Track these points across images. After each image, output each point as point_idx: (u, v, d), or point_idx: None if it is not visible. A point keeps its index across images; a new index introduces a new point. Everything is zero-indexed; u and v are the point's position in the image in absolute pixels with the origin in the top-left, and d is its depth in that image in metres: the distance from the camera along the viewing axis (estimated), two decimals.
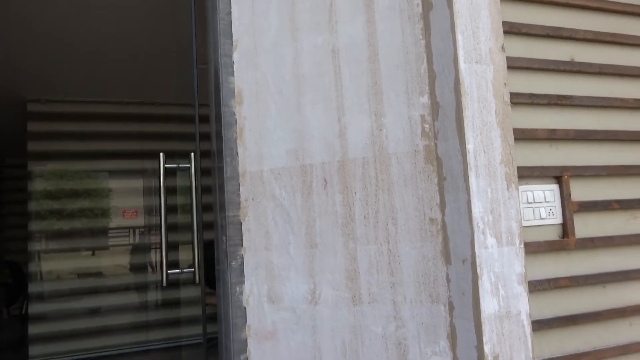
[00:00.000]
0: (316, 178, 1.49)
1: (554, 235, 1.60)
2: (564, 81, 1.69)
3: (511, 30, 1.59)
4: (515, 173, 1.31)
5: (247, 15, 1.63)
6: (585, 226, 1.62)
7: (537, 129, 1.58)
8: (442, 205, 1.34)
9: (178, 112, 5.39)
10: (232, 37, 1.64)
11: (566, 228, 1.57)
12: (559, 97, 1.64)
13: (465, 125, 1.26)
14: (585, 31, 1.73)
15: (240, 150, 1.59)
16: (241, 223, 1.56)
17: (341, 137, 1.47)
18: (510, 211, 1.29)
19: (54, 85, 4.71)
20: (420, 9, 1.42)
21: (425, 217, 1.36)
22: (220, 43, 1.65)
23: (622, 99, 1.72)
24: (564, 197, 1.58)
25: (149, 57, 4.05)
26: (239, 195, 1.57)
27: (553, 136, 1.61)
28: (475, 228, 1.24)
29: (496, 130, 1.30)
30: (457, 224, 1.29)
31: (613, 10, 1.76)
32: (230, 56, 1.64)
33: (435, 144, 1.37)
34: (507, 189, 1.29)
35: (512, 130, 1.33)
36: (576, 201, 1.61)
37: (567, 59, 1.71)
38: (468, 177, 1.25)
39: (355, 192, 1.44)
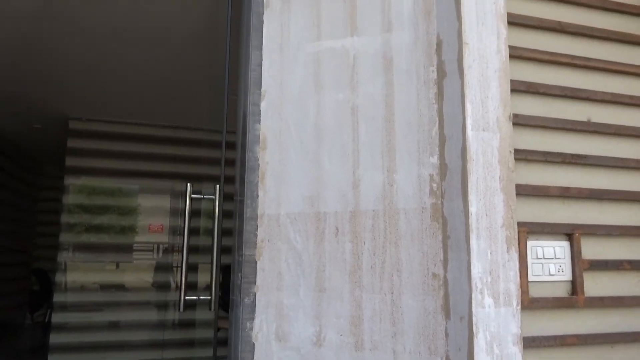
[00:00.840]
0: (329, 225, 1.58)
1: (563, 292, 1.63)
2: (579, 140, 1.75)
3: (529, 90, 1.67)
4: (516, 237, 1.38)
5: (276, 68, 1.77)
6: (595, 285, 1.65)
7: (549, 186, 1.64)
8: (445, 262, 1.42)
9: (209, 137, 5.60)
10: (261, 87, 1.78)
11: (575, 285, 1.60)
12: (573, 156, 1.70)
13: (469, 188, 1.34)
14: (603, 93, 1.79)
15: (260, 193, 1.70)
16: (256, 262, 1.66)
17: (354, 189, 1.57)
18: (509, 273, 1.35)
19: (95, 106, 4.99)
20: (435, 75, 1.53)
21: (429, 272, 1.44)
22: (250, 92, 1.78)
23: (637, 160, 1.76)
24: (575, 254, 1.62)
25: (185, 85, 4.27)
26: (256, 235, 1.68)
27: (566, 194, 1.66)
28: (474, 287, 1.31)
29: (499, 195, 1.37)
30: (458, 282, 1.36)
31: (632, 73, 1.81)
32: (258, 105, 1.77)
33: (442, 203, 1.45)
34: (507, 252, 1.36)
35: (514, 195, 1.40)
36: (587, 259, 1.64)
37: (583, 119, 1.77)
38: (469, 238, 1.33)
39: (364, 242, 1.52)
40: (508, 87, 1.43)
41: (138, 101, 4.82)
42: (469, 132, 1.37)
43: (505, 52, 1.44)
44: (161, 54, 3.62)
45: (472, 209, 1.34)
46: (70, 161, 5.29)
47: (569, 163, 1.70)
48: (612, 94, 1.79)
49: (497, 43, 1.43)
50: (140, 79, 4.13)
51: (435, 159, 1.49)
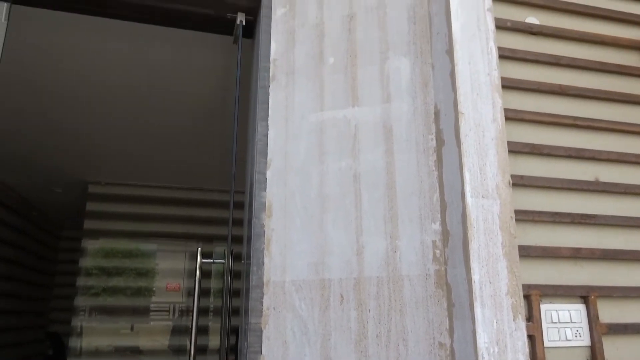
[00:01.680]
0: (334, 293, 1.58)
1: (581, 357, 1.57)
2: (588, 200, 1.74)
3: (533, 151, 1.69)
4: (522, 304, 1.36)
5: (281, 138, 1.83)
6: (616, 349, 1.59)
7: (560, 247, 1.62)
8: (451, 330, 1.39)
9: (222, 198, 5.70)
10: (267, 156, 1.84)
11: (594, 351, 1.55)
12: (582, 216, 1.69)
13: (471, 256, 1.34)
14: (608, 152, 1.80)
15: (266, 260, 1.72)
16: (262, 330, 1.65)
17: (358, 256, 1.58)
18: (516, 343, 1.32)
19: (114, 170, 5.15)
20: (434, 143, 1.57)
21: (435, 341, 1.41)
22: (257, 161, 1.84)
23: None
24: (591, 318, 1.57)
25: (200, 149, 4.39)
26: (262, 303, 1.68)
27: (577, 255, 1.64)
28: (481, 358, 1.28)
29: (502, 262, 1.37)
30: (464, 352, 1.34)
31: (636, 133, 1.83)
32: (264, 173, 1.83)
33: (446, 270, 1.45)
34: (514, 320, 1.34)
35: (518, 262, 1.40)
36: (605, 323, 1.60)
37: (591, 178, 1.77)
38: (474, 306, 1.31)
39: (369, 310, 1.51)
40: (506, 154, 1.46)
41: (155, 164, 4.96)
42: (469, 200, 1.39)
43: (501, 121, 1.48)
44: (177, 120, 3.77)
45: (475, 277, 1.33)
46: (88, 224, 5.39)
47: (579, 223, 1.69)
48: (618, 153, 1.80)
49: (492, 112, 1.47)
50: (157, 143, 4.28)
51: (437, 226, 1.50)
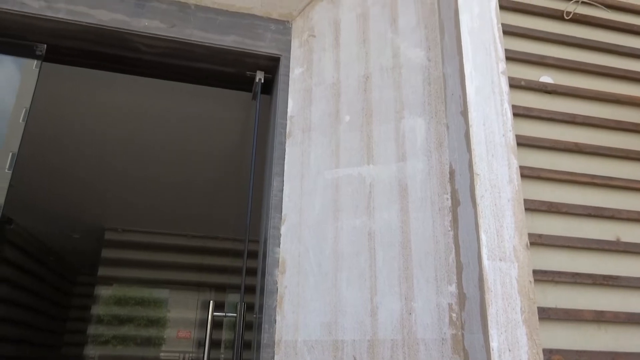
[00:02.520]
0: (347, 355, 1.53)
1: None
2: (609, 261, 1.69)
3: (550, 209, 1.67)
4: None
5: (297, 194, 1.84)
6: None
7: (582, 310, 1.56)
8: None
9: (236, 247, 5.68)
10: (281, 212, 1.84)
11: None
12: (605, 277, 1.64)
13: (489, 321, 1.30)
14: (628, 211, 1.76)
15: (278, 318, 1.69)
16: None
17: (372, 317, 1.54)
18: None
19: (131, 217, 5.20)
20: (449, 203, 1.56)
21: None
22: (271, 216, 1.84)
23: None
24: None
25: (216, 198, 4.43)
26: None
27: (601, 318, 1.58)
28: None
29: (522, 328, 1.32)
30: None
31: None
32: (279, 229, 1.82)
33: (462, 335, 1.40)
34: None
35: (538, 328, 1.35)
36: None
37: (612, 238, 1.73)
38: None
39: None
40: (523, 215, 1.44)
41: (171, 213, 5.01)
42: (485, 262, 1.36)
43: (517, 182, 1.47)
44: (195, 171, 3.83)
45: (494, 344, 1.28)
46: (103, 271, 5.40)
47: (601, 285, 1.64)
48: (639, 212, 1.76)
49: (508, 173, 1.47)
50: (175, 193, 4.33)
51: (453, 288, 1.46)
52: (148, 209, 4.93)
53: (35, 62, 1.95)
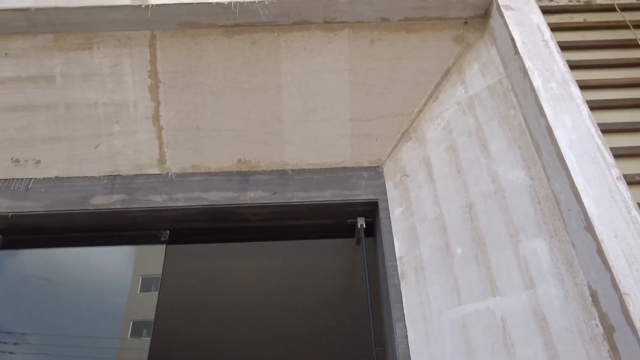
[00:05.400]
0: None
1: None
2: None
3: None
4: None
5: (422, 339, 1.74)
6: None
7: None
8: None
9: None
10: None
11: None
12: None
13: None
14: None
15: None
16: None
17: None
18: None
19: None
20: (600, 329, 1.39)
21: None
22: None
23: None
24: None
25: (324, 349, 4.30)
26: None
27: None
28: None
29: None
30: None
31: None
32: None
33: None
34: None
35: None
36: None
37: None
38: None
39: None
40: None
41: None
42: None
43: None
44: (301, 323, 3.82)
45: None
46: None
47: None
48: None
49: None
50: (289, 347, 4.28)
51: None
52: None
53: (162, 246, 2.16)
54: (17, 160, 2.14)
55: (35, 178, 2.14)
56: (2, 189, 2.10)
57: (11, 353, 2.07)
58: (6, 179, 2.13)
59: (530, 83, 1.77)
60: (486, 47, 2.09)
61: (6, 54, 2.08)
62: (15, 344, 2.10)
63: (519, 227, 1.69)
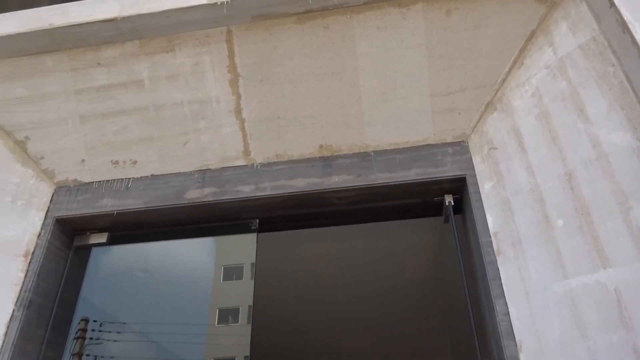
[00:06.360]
0: None
1: None
2: None
3: None
4: None
5: (526, 315, 1.68)
6: None
7: None
8: None
9: None
10: (514, 338, 1.68)
11: None
12: None
13: None
14: None
15: None
16: None
17: None
18: None
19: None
20: None
21: None
22: (504, 345, 1.69)
23: None
24: None
25: (419, 330, 4.28)
26: None
27: None
28: None
29: None
30: None
31: None
32: (517, 357, 1.65)
33: None
34: None
35: None
36: None
37: None
38: None
39: None
40: None
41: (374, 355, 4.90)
42: None
43: None
44: (390, 304, 3.81)
45: None
46: None
47: None
48: None
49: None
50: (374, 333, 4.30)
51: None
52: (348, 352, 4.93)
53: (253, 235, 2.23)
54: (117, 162, 2.29)
55: (133, 177, 2.28)
56: (106, 190, 2.27)
57: (115, 341, 2.25)
58: (109, 180, 2.29)
59: (632, 37, 1.62)
60: (574, 3, 1.94)
61: (98, 64, 2.22)
62: (119, 332, 2.27)
63: (628, 193, 1.57)
